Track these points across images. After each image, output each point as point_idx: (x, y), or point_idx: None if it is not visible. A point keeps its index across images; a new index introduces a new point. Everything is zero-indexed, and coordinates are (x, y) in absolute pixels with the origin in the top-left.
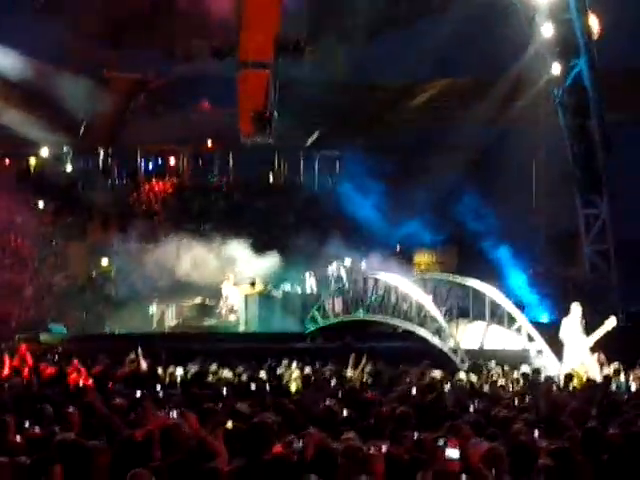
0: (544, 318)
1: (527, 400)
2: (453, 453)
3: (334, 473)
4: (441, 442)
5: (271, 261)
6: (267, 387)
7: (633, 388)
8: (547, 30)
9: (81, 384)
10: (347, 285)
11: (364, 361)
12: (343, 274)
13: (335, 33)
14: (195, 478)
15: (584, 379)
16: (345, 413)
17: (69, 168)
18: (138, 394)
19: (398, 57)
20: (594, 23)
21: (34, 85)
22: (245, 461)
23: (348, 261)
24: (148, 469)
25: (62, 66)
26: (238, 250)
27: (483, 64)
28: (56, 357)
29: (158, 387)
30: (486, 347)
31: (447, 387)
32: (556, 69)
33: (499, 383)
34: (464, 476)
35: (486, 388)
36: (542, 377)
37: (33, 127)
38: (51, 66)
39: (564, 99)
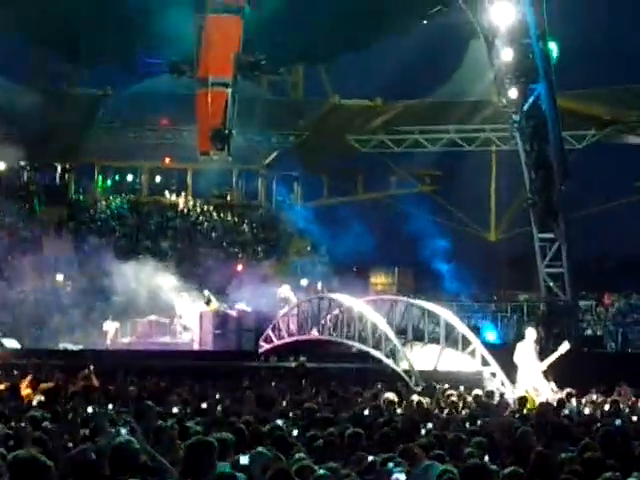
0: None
1: (479, 423)
2: (401, 476)
3: None
4: (390, 465)
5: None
6: (219, 406)
7: (586, 412)
8: (506, 54)
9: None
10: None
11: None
12: (291, 296)
13: (295, 53)
14: None
15: (536, 403)
16: (295, 433)
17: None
18: (90, 410)
19: (358, 78)
20: (553, 48)
21: None
22: None
23: (304, 281)
24: None
25: (18, 79)
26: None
27: (443, 87)
28: (9, 372)
29: (110, 405)
30: (440, 369)
31: (400, 409)
32: (515, 93)
33: (452, 406)
34: None
35: (439, 411)
36: (495, 400)
37: None
38: (6, 79)
39: (522, 123)
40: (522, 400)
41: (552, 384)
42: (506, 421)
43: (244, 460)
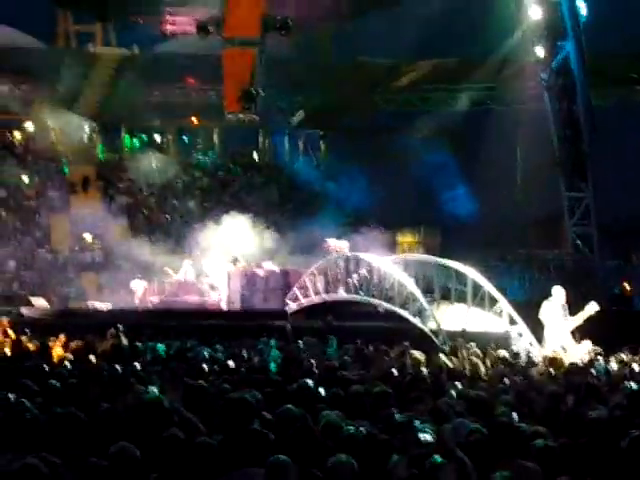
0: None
1: (506, 382)
2: (428, 436)
3: (314, 451)
4: (417, 424)
5: (265, 239)
6: (246, 365)
7: (615, 371)
8: (535, 12)
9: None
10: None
11: None
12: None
13: (320, 13)
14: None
15: (565, 363)
16: (322, 392)
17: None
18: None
19: (383, 37)
20: (582, 6)
21: (20, 58)
22: (223, 436)
23: (331, 240)
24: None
25: (45, 39)
26: (232, 226)
27: (469, 45)
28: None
29: (137, 364)
30: (467, 329)
31: (426, 368)
32: (543, 52)
33: (479, 366)
34: (438, 458)
35: (466, 370)
36: (522, 360)
37: (18, 100)
38: (36, 39)
39: (550, 82)
40: (551, 360)
41: (585, 343)
42: (535, 380)
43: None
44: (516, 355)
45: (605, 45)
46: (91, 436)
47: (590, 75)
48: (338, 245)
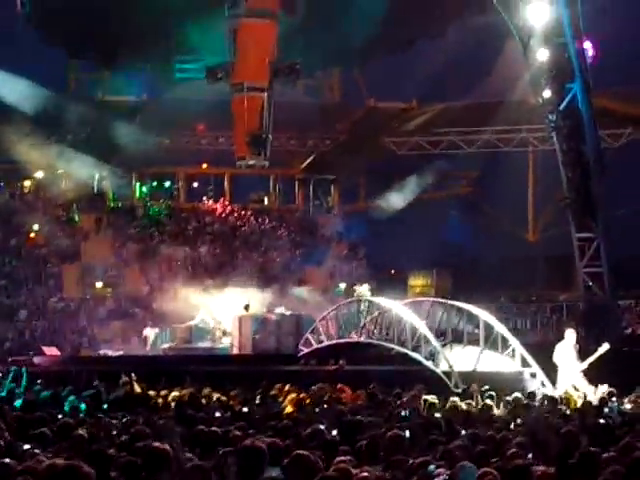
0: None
1: (520, 424)
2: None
3: None
4: (432, 468)
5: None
6: (259, 410)
7: (628, 412)
8: (542, 54)
9: None
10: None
11: None
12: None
13: (331, 56)
14: None
15: (578, 403)
16: (336, 436)
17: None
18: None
19: (394, 80)
20: (589, 47)
21: (32, 106)
22: None
23: (342, 285)
24: None
25: (55, 88)
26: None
27: (479, 88)
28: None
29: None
30: (480, 370)
31: (440, 411)
32: (550, 93)
33: (493, 407)
34: None
35: (479, 412)
36: (536, 401)
37: (29, 148)
38: (51, 91)
39: (559, 123)
40: (564, 400)
41: (601, 387)
42: (549, 421)
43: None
44: (530, 396)
45: (612, 85)
46: None
47: (598, 115)
48: (361, 290)
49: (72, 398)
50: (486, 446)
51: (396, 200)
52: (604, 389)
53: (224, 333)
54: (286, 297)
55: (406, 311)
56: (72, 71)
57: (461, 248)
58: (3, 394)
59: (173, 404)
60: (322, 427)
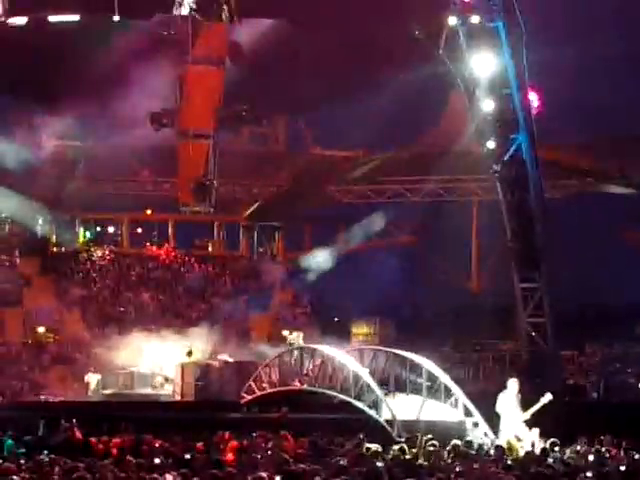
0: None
1: (462, 472)
2: None
3: None
4: None
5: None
6: (201, 458)
7: (571, 462)
8: (487, 105)
9: None
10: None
11: None
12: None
13: (277, 104)
14: None
15: (520, 453)
16: None
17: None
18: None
19: (341, 129)
20: (534, 98)
21: None
22: None
23: (286, 332)
24: None
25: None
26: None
27: (423, 138)
28: None
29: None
30: (422, 419)
31: (382, 460)
32: (494, 144)
33: (436, 455)
34: None
35: (422, 461)
36: (474, 450)
37: None
38: None
39: (503, 173)
40: (505, 449)
41: (535, 433)
42: (489, 471)
43: None
44: (469, 444)
45: (556, 136)
46: None
47: (542, 166)
48: (292, 337)
49: (10, 442)
50: None
51: (339, 248)
52: (537, 436)
53: (166, 379)
54: (229, 344)
55: (349, 359)
56: (16, 115)
57: (404, 297)
58: None
59: (114, 450)
60: (264, 475)
